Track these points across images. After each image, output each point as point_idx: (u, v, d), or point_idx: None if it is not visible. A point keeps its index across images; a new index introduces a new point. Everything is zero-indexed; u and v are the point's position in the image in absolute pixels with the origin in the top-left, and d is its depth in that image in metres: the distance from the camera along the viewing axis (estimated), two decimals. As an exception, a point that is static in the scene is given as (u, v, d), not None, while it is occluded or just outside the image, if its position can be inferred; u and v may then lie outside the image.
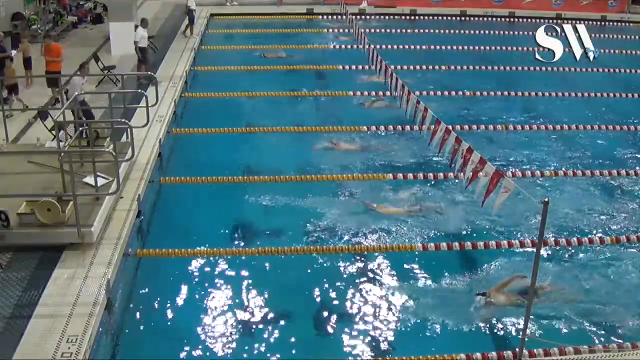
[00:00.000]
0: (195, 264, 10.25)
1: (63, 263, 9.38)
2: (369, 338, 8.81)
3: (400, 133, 15.21)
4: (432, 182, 12.92)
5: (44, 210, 9.51)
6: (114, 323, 8.86)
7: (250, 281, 9.93)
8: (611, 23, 27.27)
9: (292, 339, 8.75)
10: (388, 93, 17.05)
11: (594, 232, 11.38)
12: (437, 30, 24.96)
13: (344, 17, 24.05)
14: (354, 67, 19.64)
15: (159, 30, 23.46)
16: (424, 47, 22.33)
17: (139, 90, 13.32)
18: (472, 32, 25.22)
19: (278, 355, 8.49)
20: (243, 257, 10.47)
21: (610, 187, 13.09)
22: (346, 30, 23.61)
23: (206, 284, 9.82)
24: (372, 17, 27.01)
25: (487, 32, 25.10)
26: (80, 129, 11.64)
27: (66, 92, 13.88)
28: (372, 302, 9.48)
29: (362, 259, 10.48)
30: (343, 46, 22.43)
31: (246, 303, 9.43)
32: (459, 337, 8.76)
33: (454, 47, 22.38)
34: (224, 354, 8.48)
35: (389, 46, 21.40)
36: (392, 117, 15.66)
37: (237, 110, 16.61)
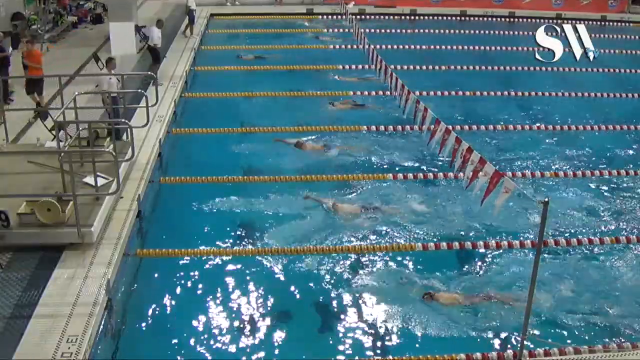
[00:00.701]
0: (195, 264, 10.24)
1: (63, 263, 9.38)
2: (369, 338, 8.81)
3: (372, 133, 15.22)
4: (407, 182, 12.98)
5: (44, 210, 9.51)
6: (114, 323, 8.87)
7: (250, 281, 9.93)
8: (611, 23, 27.28)
9: (292, 339, 8.75)
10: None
11: (594, 232, 11.38)
12: (437, 30, 24.97)
13: (344, 17, 24.07)
14: (353, 66, 19.65)
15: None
16: (424, 47, 22.35)
17: (139, 90, 13.31)
18: (472, 32, 25.23)
19: (278, 355, 8.49)
20: (243, 257, 10.46)
21: (610, 187, 13.08)
22: (340, 30, 23.70)
23: (206, 284, 9.82)
24: (372, 17, 27.02)
25: (487, 32, 25.12)
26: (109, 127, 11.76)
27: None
28: (372, 302, 9.47)
29: (362, 258, 10.48)
30: (343, 46, 22.39)
31: (246, 303, 9.43)
32: (459, 337, 8.76)
33: (454, 47, 22.40)
34: (224, 354, 8.48)
35: (389, 46, 21.41)
36: (360, 117, 15.93)
37: (237, 110, 16.62)
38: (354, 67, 19.60)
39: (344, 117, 16.21)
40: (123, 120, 12.22)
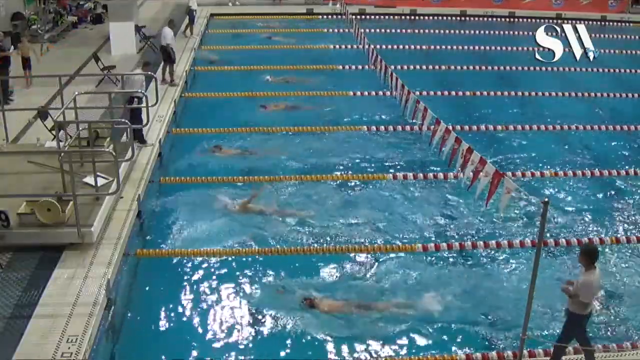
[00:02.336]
0: (195, 264, 10.25)
1: (63, 263, 9.38)
2: (369, 338, 8.80)
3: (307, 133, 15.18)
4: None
5: (44, 210, 9.52)
6: (114, 323, 8.86)
7: (249, 281, 9.93)
8: (611, 23, 27.28)
9: (292, 339, 8.74)
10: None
11: (594, 232, 11.38)
12: (437, 30, 24.98)
13: (344, 17, 24.07)
14: (353, 67, 19.64)
15: (160, 30, 23.44)
16: (424, 47, 22.35)
17: (139, 90, 13.32)
18: (472, 32, 25.24)
19: (278, 355, 8.49)
20: (243, 257, 10.46)
21: (610, 187, 13.08)
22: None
23: (206, 284, 9.83)
24: (372, 17, 27.01)
25: (487, 32, 25.12)
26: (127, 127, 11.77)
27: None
28: (372, 301, 9.45)
29: (361, 258, 10.48)
30: (343, 46, 22.39)
31: (246, 303, 9.43)
32: (459, 337, 8.77)
33: (454, 47, 22.40)
34: (223, 353, 8.48)
35: (389, 46, 21.40)
36: (293, 119, 15.85)
37: (236, 110, 16.60)
38: (353, 67, 19.60)
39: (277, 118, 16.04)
40: (123, 120, 12.22)
